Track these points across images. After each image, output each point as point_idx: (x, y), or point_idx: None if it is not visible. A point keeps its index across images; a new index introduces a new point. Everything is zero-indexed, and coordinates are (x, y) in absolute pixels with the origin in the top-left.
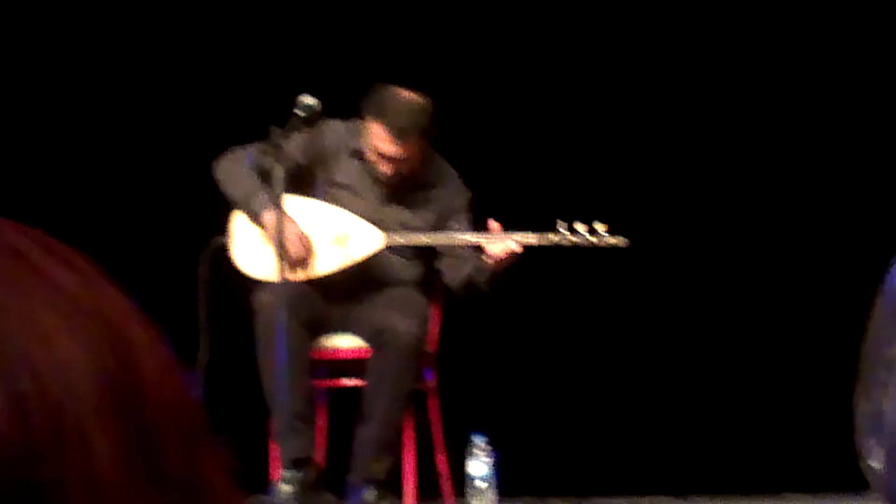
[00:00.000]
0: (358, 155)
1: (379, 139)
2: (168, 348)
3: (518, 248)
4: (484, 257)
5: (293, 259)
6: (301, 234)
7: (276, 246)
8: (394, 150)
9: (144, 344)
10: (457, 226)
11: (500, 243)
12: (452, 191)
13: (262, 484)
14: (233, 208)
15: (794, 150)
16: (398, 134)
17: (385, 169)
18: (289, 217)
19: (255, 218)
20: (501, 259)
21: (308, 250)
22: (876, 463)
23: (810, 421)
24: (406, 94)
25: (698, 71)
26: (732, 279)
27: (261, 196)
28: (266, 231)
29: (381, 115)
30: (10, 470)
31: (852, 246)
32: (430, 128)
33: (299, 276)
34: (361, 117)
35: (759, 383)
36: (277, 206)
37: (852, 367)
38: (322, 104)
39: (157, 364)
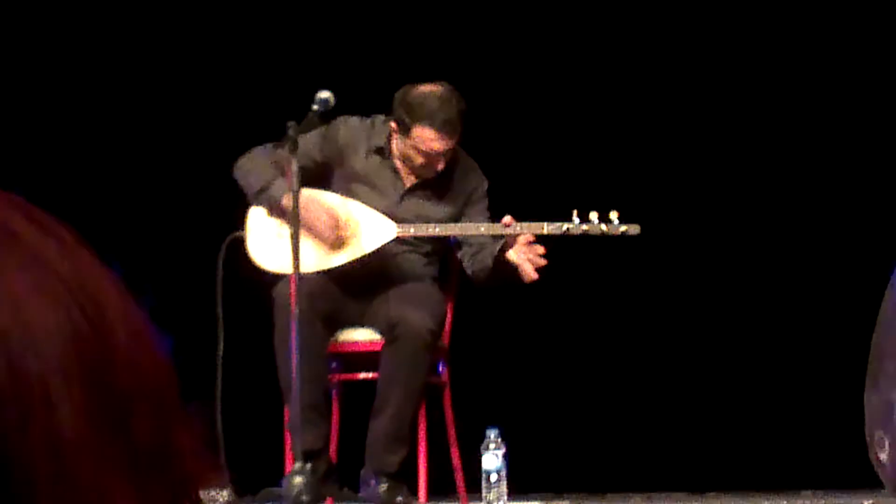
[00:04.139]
0: (379, 151)
1: (430, 140)
2: (144, 316)
3: (539, 258)
4: (503, 255)
5: (325, 236)
6: (326, 209)
7: (296, 229)
8: (445, 144)
9: (118, 310)
10: (474, 215)
11: (521, 253)
12: (471, 180)
13: (278, 475)
14: (250, 203)
15: (808, 144)
16: (449, 127)
17: (440, 167)
18: (310, 198)
19: (275, 204)
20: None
21: (337, 225)
22: (884, 454)
23: (829, 417)
24: (434, 88)
25: (712, 62)
26: (747, 274)
27: (279, 183)
28: (287, 215)
29: (426, 118)
30: None
31: (863, 240)
32: (465, 109)
33: (336, 256)
34: (403, 131)
35: (776, 379)
36: (296, 191)
37: (867, 361)
38: (337, 99)
39: (131, 330)
